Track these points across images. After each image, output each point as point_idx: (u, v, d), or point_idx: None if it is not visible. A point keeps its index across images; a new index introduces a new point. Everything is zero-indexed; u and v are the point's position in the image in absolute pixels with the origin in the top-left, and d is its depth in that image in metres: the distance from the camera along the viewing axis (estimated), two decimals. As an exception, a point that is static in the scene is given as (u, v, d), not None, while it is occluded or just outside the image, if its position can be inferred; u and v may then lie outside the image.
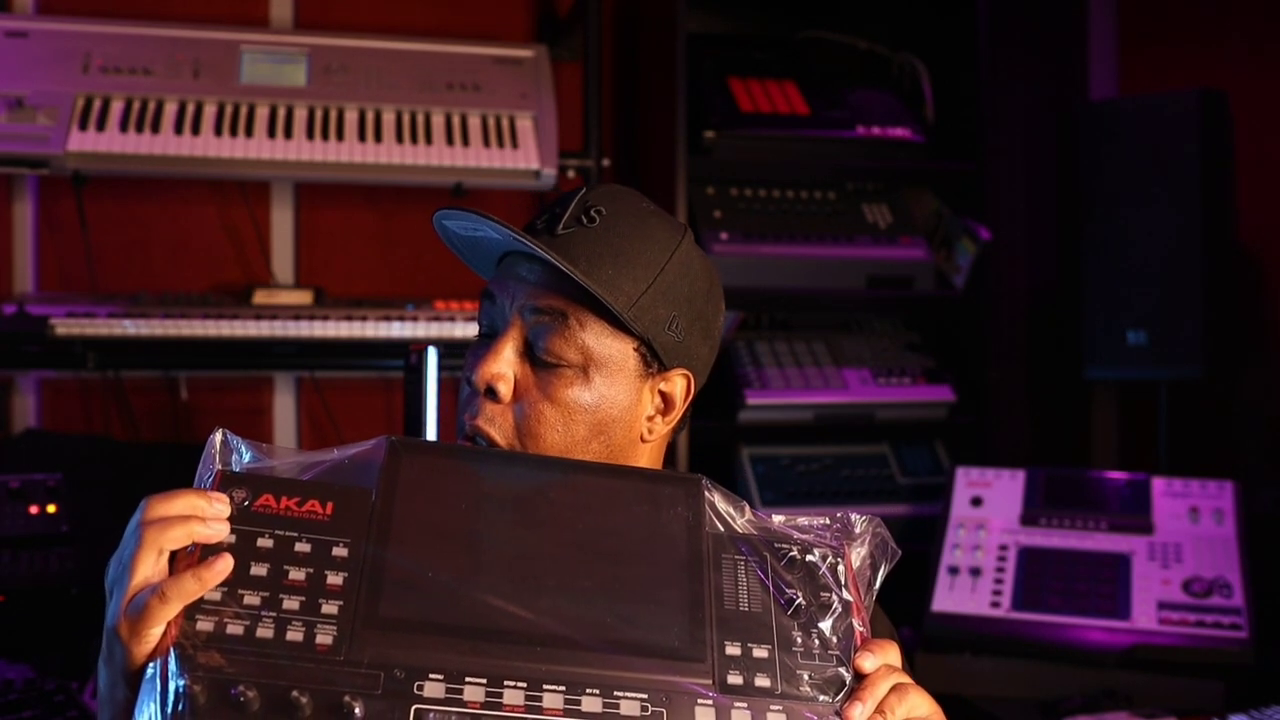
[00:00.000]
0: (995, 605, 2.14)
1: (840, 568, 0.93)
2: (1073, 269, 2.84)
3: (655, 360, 1.10)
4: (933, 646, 2.12)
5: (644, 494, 0.93)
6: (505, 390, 1.06)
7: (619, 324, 1.07)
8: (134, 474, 2.36)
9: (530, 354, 1.08)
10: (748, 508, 0.96)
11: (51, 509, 2.08)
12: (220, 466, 0.89)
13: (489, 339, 1.10)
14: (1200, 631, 2.02)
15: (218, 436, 0.90)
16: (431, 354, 1.66)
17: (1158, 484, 2.25)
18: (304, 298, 2.51)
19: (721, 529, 0.94)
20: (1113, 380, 2.92)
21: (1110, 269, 2.61)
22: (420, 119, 2.52)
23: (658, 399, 1.13)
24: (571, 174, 2.67)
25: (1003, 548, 2.23)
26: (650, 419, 1.12)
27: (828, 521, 0.97)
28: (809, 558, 0.93)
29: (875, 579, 0.96)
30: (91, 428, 2.56)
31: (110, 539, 0.88)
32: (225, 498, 0.85)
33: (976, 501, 2.31)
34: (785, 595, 0.90)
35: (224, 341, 2.32)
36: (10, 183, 2.56)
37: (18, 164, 2.31)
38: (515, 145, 2.52)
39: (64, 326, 2.25)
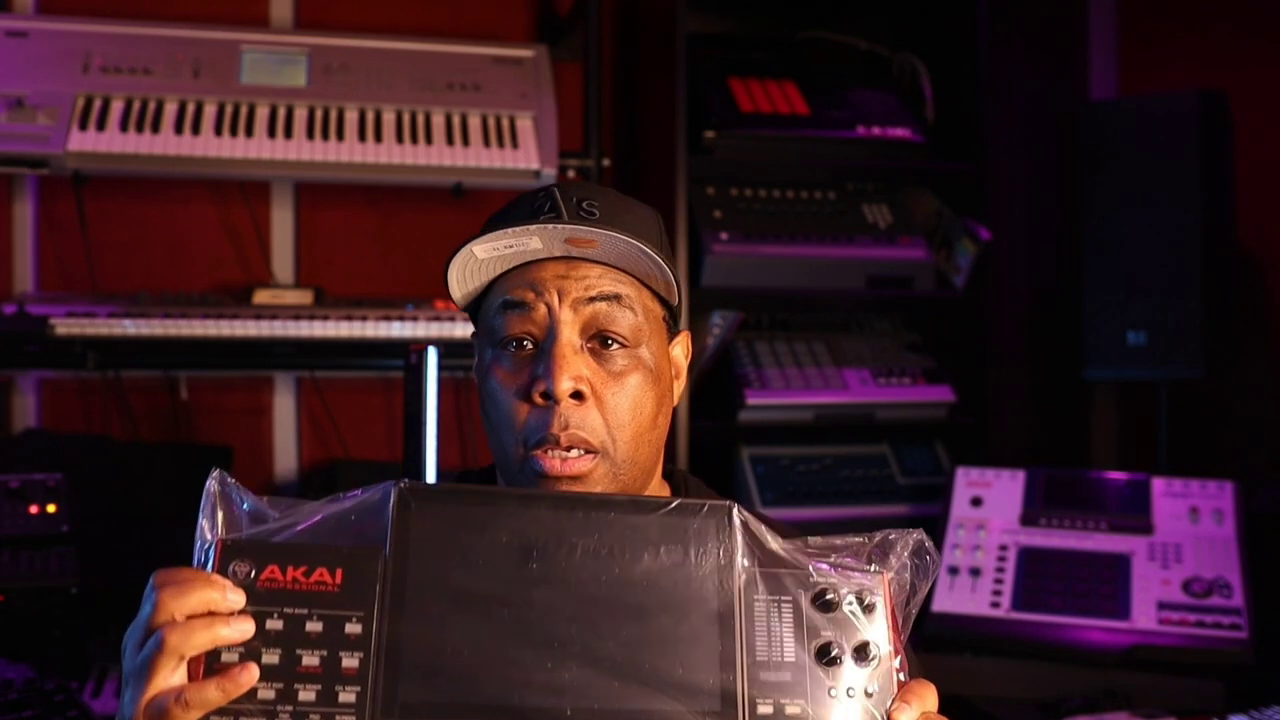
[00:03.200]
0: (995, 605, 2.15)
1: (879, 606, 0.89)
2: (1073, 269, 2.83)
3: (674, 325, 1.15)
4: (933, 646, 2.11)
5: (670, 530, 0.89)
6: (588, 389, 1.05)
7: (657, 296, 1.11)
8: (134, 474, 2.36)
9: (587, 346, 1.07)
10: (780, 537, 0.92)
11: (51, 509, 2.07)
12: (222, 531, 0.85)
13: (525, 349, 1.07)
14: (1200, 632, 2.02)
15: (214, 485, 0.86)
16: (431, 354, 1.66)
17: (1158, 484, 2.25)
18: (304, 298, 2.51)
19: (752, 561, 0.90)
20: (1113, 380, 2.92)
21: (1110, 269, 2.61)
22: (420, 119, 2.52)
23: (672, 364, 1.17)
24: (571, 174, 2.67)
25: (1003, 548, 2.23)
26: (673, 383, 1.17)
27: (864, 540, 0.93)
28: (846, 600, 0.89)
29: (913, 603, 0.93)
30: (91, 428, 2.56)
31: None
32: (241, 590, 0.82)
33: (976, 501, 2.31)
34: (819, 640, 0.87)
35: (224, 341, 2.32)
36: (10, 183, 2.57)
37: (18, 164, 2.31)
38: (515, 145, 2.52)
39: (64, 326, 2.25)
